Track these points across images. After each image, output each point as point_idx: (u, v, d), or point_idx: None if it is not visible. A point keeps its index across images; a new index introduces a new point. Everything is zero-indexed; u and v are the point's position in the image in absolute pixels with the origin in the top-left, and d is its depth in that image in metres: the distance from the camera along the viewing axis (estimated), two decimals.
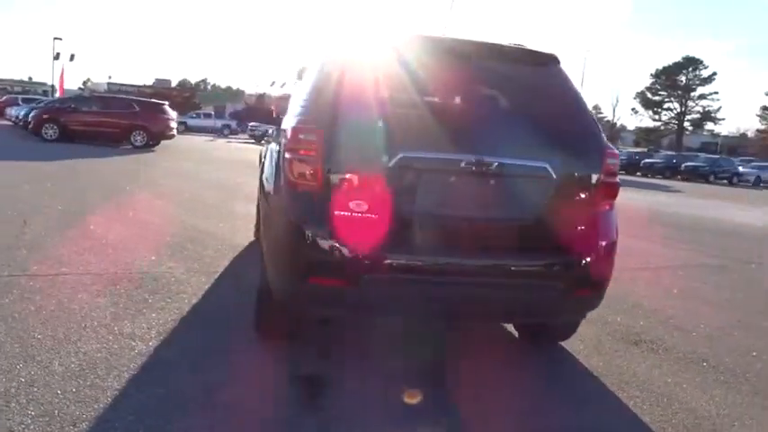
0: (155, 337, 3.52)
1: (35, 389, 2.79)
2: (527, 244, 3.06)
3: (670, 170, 36.53)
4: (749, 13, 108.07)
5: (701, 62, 72.69)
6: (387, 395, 3.04)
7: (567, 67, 3.43)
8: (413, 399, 2.97)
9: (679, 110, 75.31)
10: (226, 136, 43.71)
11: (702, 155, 41.46)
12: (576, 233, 3.15)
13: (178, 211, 7.81)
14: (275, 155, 3.40)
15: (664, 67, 74.78)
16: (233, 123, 48.99)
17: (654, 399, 3.31)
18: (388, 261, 2.89)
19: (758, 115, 72.65)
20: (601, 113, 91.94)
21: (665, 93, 75.59)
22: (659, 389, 3.45)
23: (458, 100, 3.28)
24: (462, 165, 2.93)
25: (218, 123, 47.58)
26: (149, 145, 20.36)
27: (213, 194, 9.83)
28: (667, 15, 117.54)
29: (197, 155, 20.50)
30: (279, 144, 3.37)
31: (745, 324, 4.95)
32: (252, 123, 39.15)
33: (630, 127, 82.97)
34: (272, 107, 5.58)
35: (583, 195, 3.16)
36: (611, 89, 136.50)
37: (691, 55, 72.71)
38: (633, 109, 78.58)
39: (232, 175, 13.64)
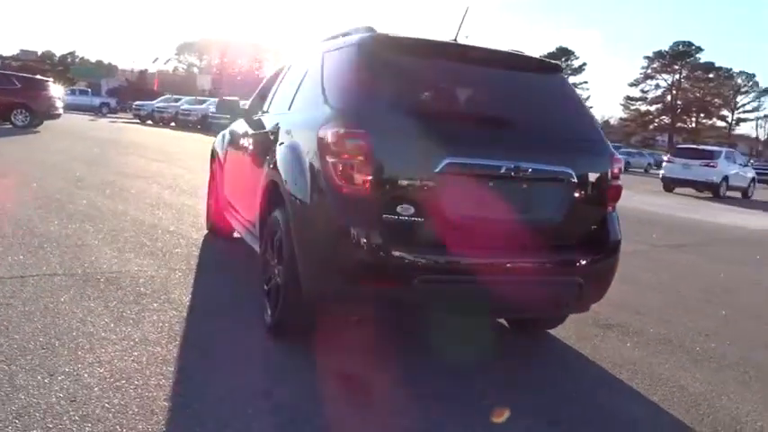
0: (170, 341, 3.42)
1: (80, 404, 2.67)
2: (554, 243, 3.29)
3: None
4: (613, 2, 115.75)
5: (573, 53, 77.44)
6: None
7: None
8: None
9: None
10: (104, 115, 41.14)
11: None
12: (591, 232, 3.42)
13: (110, 203, 7.40)
14: (297, 156, 3.36)
15: (541, 55, 78.71)
16: (112, 101, 46.20)
17: (649, 380, 3.66)
18: (436, 262, 3.00)
19: (621, 104, 78.50)
20: None
21: None
22: (648, 369, 3.82)
23: (487, 106, 3.43)
24: (503, 170, 3.09)
25: (96, 101, 44.64)
26: (33, 125, 18.85)
27: (135, 184, 9.37)
28: (538, 2, 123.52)
29: (86, 136, 19.23)
30: (304, 145, 3.34)
31: (684, 305, 5.52)
32: (137, 102, 37.19)
33: None
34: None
35: (596, 197, 3.43)
36: None
37: (563, 45, 76.99)
38: None
39: (142, 161, 13.00)
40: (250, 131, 4.79)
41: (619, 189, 3.54)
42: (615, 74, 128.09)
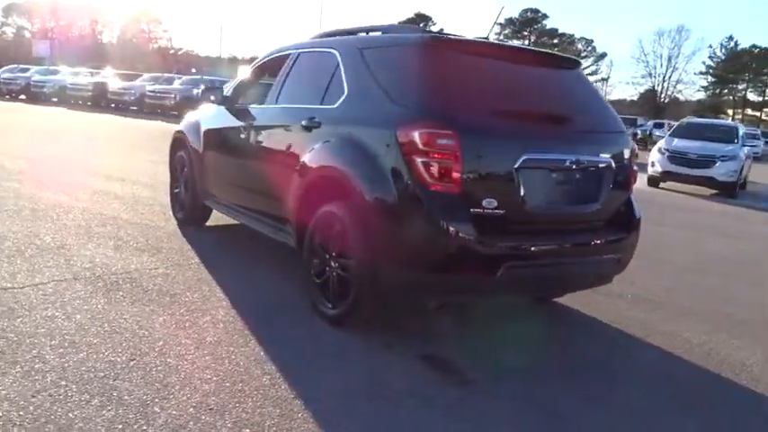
0: (246, 340, 3.46)
1: (219, 413, 2.71)
2: (601, 224, 3.72)
3: None
4: None
5: (431, 18, 79.45)
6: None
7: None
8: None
9: None
10: None
11: None
12: (622, 213, 3.89)
13: (47, 195, 6.91)
14: (366, 154, 3.47)
15: (399, 22, 79.97)
16: None
17: (643, 331, 4.23)
18: (519, 249, 3.32)
19: None
20: None
21: None
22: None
23: (544, 103, 3.74)
24: (566, 163, 3.45)
25: None
26: None
27: (51, 171, 8.71)
28: None
29: None
30: (374, 143, 3.46)
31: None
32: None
33: None
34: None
35: (624, 181, 3.89)
36: None
37: (421, 11, 78.72)
38: None
39: (30, 143, 11.97)
40: (255, 124, 4.74)
41: (636, 173, 4.02)
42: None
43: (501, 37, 78.09)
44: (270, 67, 5.15)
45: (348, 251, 3.58)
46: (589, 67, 77.75)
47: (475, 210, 3.23)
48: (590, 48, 77.81)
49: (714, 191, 14.16)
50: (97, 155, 11.00)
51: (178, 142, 6.12)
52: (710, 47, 73.49)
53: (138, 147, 13.29)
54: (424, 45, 3.61)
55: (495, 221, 3.28)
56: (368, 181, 3.46)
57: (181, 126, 6.14)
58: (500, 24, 77.70)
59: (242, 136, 4.88)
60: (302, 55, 4.68)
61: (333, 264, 3.74)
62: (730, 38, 73.02)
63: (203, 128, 5.58)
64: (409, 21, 78.74)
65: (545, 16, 77.60)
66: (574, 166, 3.51)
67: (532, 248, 3.39)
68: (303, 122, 4.08)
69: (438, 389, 3.13)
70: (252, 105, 5.01)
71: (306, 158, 3.99)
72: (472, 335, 3.95)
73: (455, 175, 3.18)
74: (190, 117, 6.15)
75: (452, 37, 3.78)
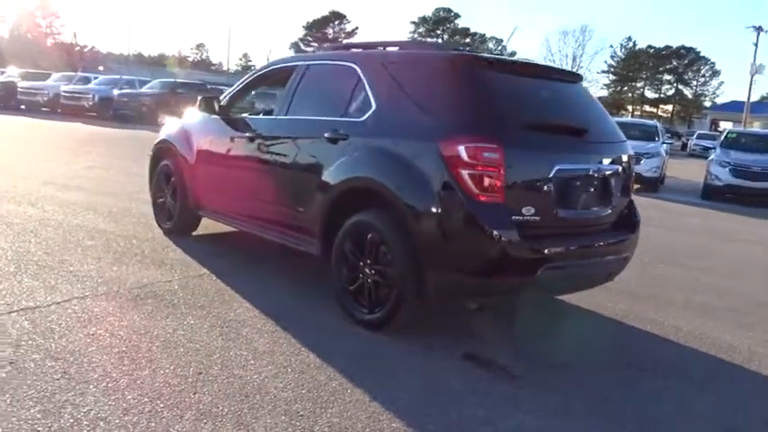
0: (294, 351, 3.58)
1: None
2: (611, 226, 4.09)
3: None
4: None
5: (345, 17, 79.69)
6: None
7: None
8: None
9: None
10: None
11: None
12: (627, 214, 4.27)
13: (16, 209, 6.66)
14: (406, 165, 3.66)
15: (314, 20, 79.93)
16: None
17: (659, 327, 4.67)
18: (553, 253, 3.62)
19: None
20: (251, 62, 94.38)
21: (316, 44, 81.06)
22: (653, 317, 4.82)
23: (566, 116, 4.05)
24: (590, 172, 3.79)
25: None
26: None
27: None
28: None
29: None
30: (414, 155, 3.66)
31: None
32: None
33: None
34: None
35: (627, 185, 4.27)
36: (265, 38, 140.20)
37: (336, 9, 78.82)
38: None
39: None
40: (264, 134, 4.80)
41: (633, 176, 4.42)
42: (387, 38, 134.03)
43: (415, 36, 79.42)
44: (271, 79, 5.22)
45: (388, 258, 3.76)
46: None
47: (517, 217, 3.51)
48: (500, 47, 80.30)
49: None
50: (34, 160, 10.55)
51: (163, 152, 6.07)
52: (611, 47, 77.74)
53: (70, 150, 12.85)
54: (461, 62, 3.85)
55: (533, 227, 3.57)
56: (410, 191, 3.66)
57: (164, 135, 6.09)
58: (414, 23, 79.13)
59: (248, 146, 4.93)
60: (312, 67, 4.80)
61: (368, 271, 3.90)
62: (629, 38, 77.62)
63: (196, 138, 5.57)
64: (324, 19, 78.79)
65: (457, 15, 79.63)
66: (595, 174, 3.86)
67: (565, 251, 3.70)
68: (326, 134, 4.20)
69: (491, 385, 3.38)
70: (256, 116, 5.06)
71: (332, 169, 4.12)
72: (500, 333, 4.22)
73: (499, 185, 3.44)
74: (174, 126, 6.11)
75: (484, 55, 4.03)
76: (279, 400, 2.98)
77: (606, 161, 3.99)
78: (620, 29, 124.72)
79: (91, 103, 24.43)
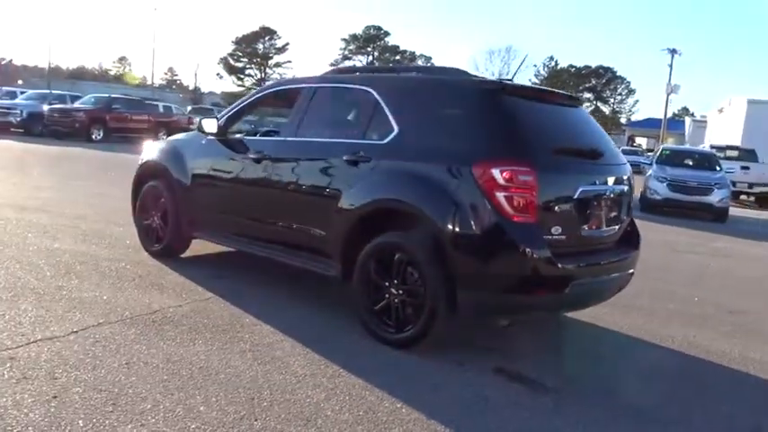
0: (334, 375, 3.60)
1: None
2: (621, 242, 4.32)
3: None
4: None
5: (276, 33, 79.30)
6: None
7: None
8: None
9: (259, 76, 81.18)
10: None
11: None
12: (630, 231, 4.52)
13: None
14: (437, 187, 3.76)
15: (244, 36, 79.10)
16: None
17: (657, 337, 4.94)
18: (579, 269, 3.81)
19: None
20: (176, 77, 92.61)
21: (246, 59, 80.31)
22: (647, 328, 5.10)
23: (582, 139, 4.26)
24: (606, 193, 4.02)
25: None
26: None
27: None
28: None
29: None
30: (446, 177, 3.77)
31: None
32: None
33: (218, 91, 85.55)
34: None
35: (630, 205, 4.53)
36: (192, 53, 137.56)
37: (267, 25, 78.34)
38: (218, 74, 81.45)
39: None
40: (274, 156, 4.79)
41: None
42: (317, 54, 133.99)
43: (346, 53, 79.96)
44: (271, 101, 5.22)
45: (417, 277, 3.84)
46: None
47: (548, 236, 3.67)
48: (429, 65, 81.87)
49: None
50: None
51: (149, 173, 5.94)
52: (535, 65, 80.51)
53: (9, 170, 12.31)
54: (489, 89, 4.00)
55: (561, 246, 3.75)
56: (443, 212, 3.75)
57: (152, 156, 5.96)
58: (345, 40, 79.66)
59: (255, 168, 4.90)
60: (321, 90, 4.84)
61: (394, 291, 3.97)
62: (551, 58, 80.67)
63: (192, 158, 5.49)
64: (254, 34, 78.10)
65: (387, 33, 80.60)
66: (610, 195, 4.09)
67: (588, 267, 3.89)
68: (346, 157, 4.26)
69: (530, 398, 3.51)
70: (264, 137, 5.05)
71: (354, 191, 4.18)
72: (520, 347, 4.36)
73: (533, 207, 3.60)
74: (164, 146, 6.01)
75: (509, 82, 4.19)
76: (340, 422, 3.01)
77: (616, 182, 4.22)
78: (544, 49, 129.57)
79: (19, 118, 23.28)
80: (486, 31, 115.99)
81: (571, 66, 79.44)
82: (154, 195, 5.85)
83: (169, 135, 25.08)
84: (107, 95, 24.96)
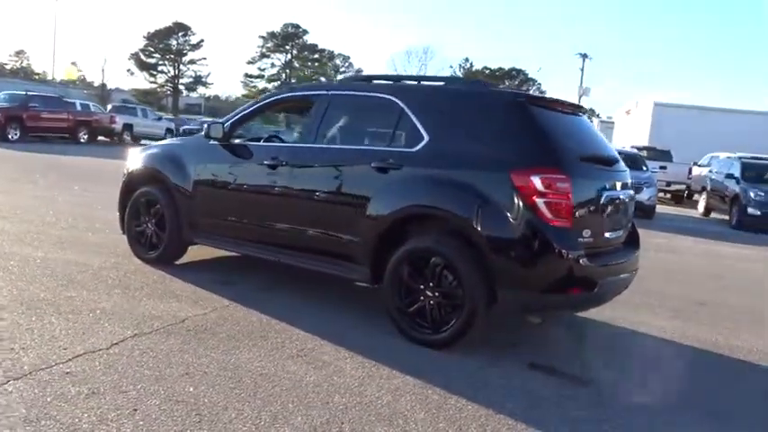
0: (393, 376, 3.74)
1: None
2: (626, 243, 4.67)
3: None
4: None
5: (191, 29, 77.12)
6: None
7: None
8: None
9: (173, 73, 78.74)
10: None
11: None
12: (632, 233, 4.88)
13: None
14: (476, 193, 3.95)
15: (156, 31, 76.44)
16: None
17: (651, 329, 5.34)
18: (606, 268, 4.11)
19: (241, 81, 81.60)
20: (81, 72, 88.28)
21: (158, 55, 77.62)
22: (635, 319, 5.50)
23: (598, 147, 4.56)
24: (621, 197, 4.35)
25: None
26: None
27: None
28: None
29: None
30: (483, 184, 3.97)
31: None
32: None
33: (126, 87, 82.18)
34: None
35: (633, 205, 4.89)
36: (99, 48, 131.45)
37: (180, 21, 76.03)
38: (129, 70, 78.37)
39: None
40: (292, 163, 4.81)
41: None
42: (234, 52, 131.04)
43: (263, 50, 78.82)
44: (280, 108, 5.26)
45: (452, 280, 4.03)
46: None
47: (581, 239, 3.95)
48: (348, 64, 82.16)
49: None
50: None
51: (141, 179, 5.83)
52: (451, 67, 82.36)
53: None
54: (521, 100, 4.21)
55: (590, 247, 4.03)
56: (481, 217, 3.94)
57: (146, 162, 5.86)
58: (263, 37, 78.52)
59: (270, 174, 4.91)
60: (339, 98, 4.92)
61: (430, 293, 4.14)
62: (466, 59, 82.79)
63: (195, 164, 5.42)
64: (167, 30, 75.63)
65: (305, 32, 80.00)
66: (624, 198, 4.43)
67: (611, 267, 4.20)
68: (374, 164, 4.38)
69: (572, 391, 3.77)
70: (279, 143, 5.07)
71: (385, 198, 4.31)
72: (539, 342, 4.63)
73: (569, 212, 3.86)
74: (157, 152, 5.90)
75: (533, 94, 4.43)
76: (419, 421, 3.15)
77: (623, 186, 4.56)
78: (460, 51, 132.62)
79: None
80: (404, 32, 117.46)
81: (486, 68, 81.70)
82: (147, 201, 5.73)
83: (91, 135, 24.48)
84: (23, 93, 23.55)
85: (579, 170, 4.06)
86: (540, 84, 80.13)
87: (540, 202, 3.82)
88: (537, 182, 3.83)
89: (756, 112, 34.72)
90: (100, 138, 25.64)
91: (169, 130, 30.01)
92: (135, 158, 6.05)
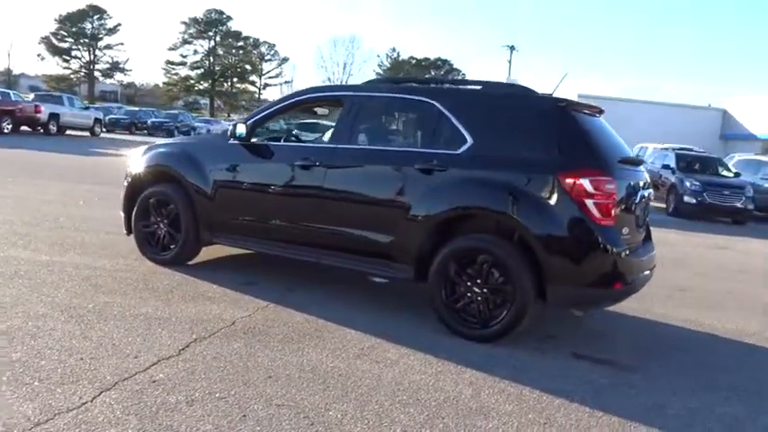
0: (461, 371, 3.89)
1: None
2: (647, 239, 5.01)
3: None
4: None
5: (107, 12, 73.82)
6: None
7: None
8: None
9: (88, 58, 75.22)
10: None
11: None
12: (647, 229, 5.22)
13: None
14: (526, 194, 4.17)
15: (69, 14, 72.75)
16: None
17: (666, 319, 5.73)
18: (640, 263, 4.42)
19: (163, 68, 78.87)
20: None
21: (72, 40, 73.95)
22: (656, 310, 5.87)
23: (621, 147, 4.83)
24: (646, 196, 4.69)
25: None
26: None
27: None
28: None
29: None
30: (531, 185, 4.19)
31: None
32: None
33: (33, 73, 77.76)
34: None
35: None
36: (5, 31, 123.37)
37: (95, 3, 72.57)
38: (39, 55, 74.20)
39: None
40: (328, 163, 4.84)
41: None
42: (154, 37, 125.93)
43: (185, 36, 76.41)
44: (302, 108, 5.30)
45: (500, 277, 4.22)
46: (273, 70, 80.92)
47: (622, 236, 4.24)
48: (273, 52, 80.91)
49: None
50: None
51: (150, 179, 5.72)
52: (378, 56, 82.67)
53: None
54: (563, 105, 4.41)
55: (628, 243, 4.33)
56: (531, 217, 4.15)
57: (157, 161, 5.73)
58: (185, 23, 76.06)
59: (302, 174, 4.93)
60: (372, 100, 4.99)
61: (477, 290, 4.32)
62: (393, 49, 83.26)
63: (213, 163, 5.36)
64: (81, 12, 72.10)
65: (229, 18, 78.13)
66: (647, 198, 4.76)
67: (642, 262, 4.52)
68: (418, 165, 4.51)
69: (622, 378, 4.04)
70: (311, 143, 5.09)
71: (430, 198, 4.44)
72: (571, 332, 4.89)
73: (614, 211, 4.13)
74: (169, 151, 5.79)
75: (572, 100, 4.65)
76: (510, 414, 3.33)
77: (644, 186, 4.88)
78: (387, 40, 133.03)
79: None
80: (329, 20, 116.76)
81: (412, 57, 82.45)
82: (159, 201, 5.62)
83: (15, 125, 23.13)
84: None
85: (619, 172, 4.33)
86: (465, 74, 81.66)
87: (589, 202, 4.07)
88: (587, 184, 4.07)
89: (671, 104, 37.08)
90: (23, 128, 24.25)
91: (98, 120, 28.77)
92: (139, 158, 5.90)
